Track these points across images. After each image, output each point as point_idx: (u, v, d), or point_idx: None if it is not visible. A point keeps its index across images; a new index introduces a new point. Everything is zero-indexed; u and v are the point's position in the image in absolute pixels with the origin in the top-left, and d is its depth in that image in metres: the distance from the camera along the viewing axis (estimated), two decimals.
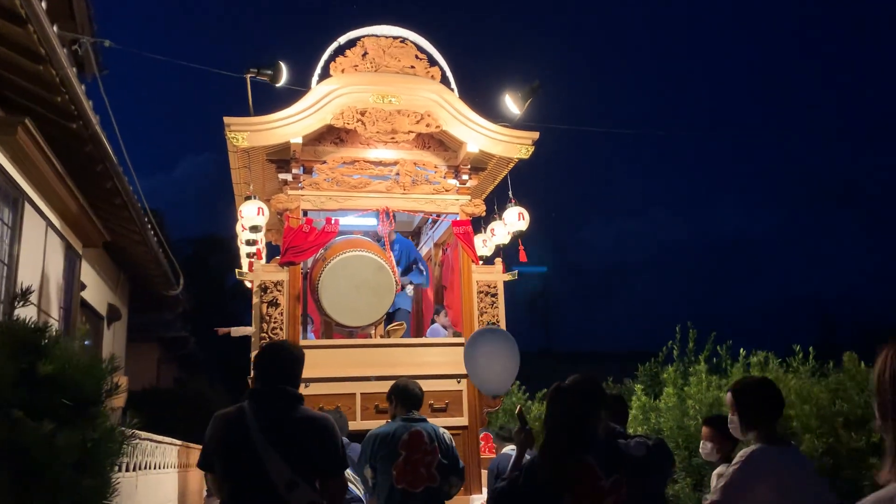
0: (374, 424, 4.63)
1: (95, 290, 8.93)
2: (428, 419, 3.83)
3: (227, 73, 6.77)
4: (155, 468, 7.69)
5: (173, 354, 15.74)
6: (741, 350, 5.20)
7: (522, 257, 5.93)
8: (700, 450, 3.61)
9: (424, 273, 6.58)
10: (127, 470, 6.09)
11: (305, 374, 5.14)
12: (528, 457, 2.62)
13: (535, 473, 2.33)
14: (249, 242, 5.78)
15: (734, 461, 2.51)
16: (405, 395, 3.79)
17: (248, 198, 5.65)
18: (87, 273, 8.24)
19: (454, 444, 3.77)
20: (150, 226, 8.39)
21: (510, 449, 4.75)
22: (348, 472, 3.27)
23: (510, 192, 6.10)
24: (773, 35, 70.36)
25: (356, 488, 3.67)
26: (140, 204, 7.72)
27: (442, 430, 3.74)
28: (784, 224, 62.99)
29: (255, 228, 5.56)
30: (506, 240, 6.09)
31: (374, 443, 3.63)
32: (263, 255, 6.06)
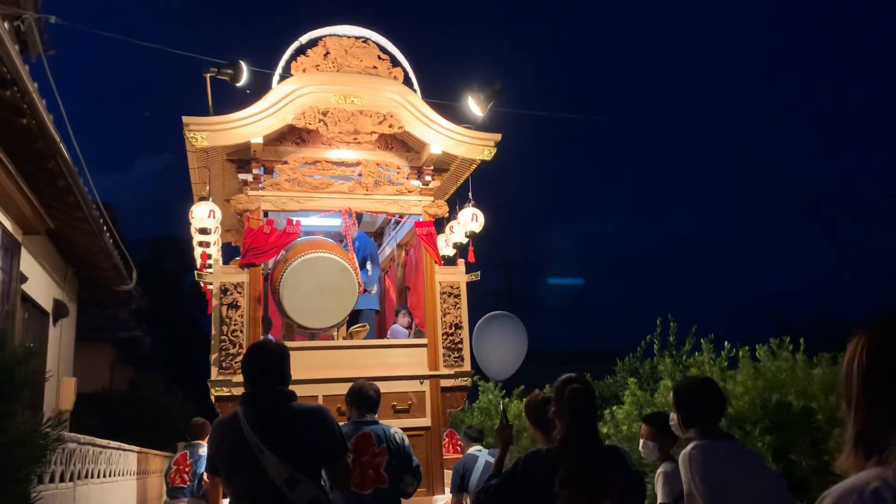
0: None
1: (39, 284, 8.28)
2: (390, 420, 3.83)
3: (181, 52, 6.58)
4: (101, 476, 7.11)
5: (128, 356, 15.31)
6: (726, 343, 4.90)
7: (471, 258, 5.97)
8: (640, 448, 3.58)
9: (372, 274, 6.53)
10: (62, 480, 5.55)
11: None
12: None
13: (537, 467, 2.37)
14: (202, 244, 5.70)
15: (682, 464, 2.51)
16: (359, 398, 3.78)
17: (201, 198, 5.58)
18: (30, 265, 7.65)
19: (407, 443, 3.75)
20: (99, 213, 7.74)
21: (476, 449, 4.76)
22: None
23: (469, 193, 6.14)
24: (745, 38, 71.92)
25: None
26: (88, 190, 7.16)
27: (393, 431, 3.73)
28: (742, 226, 64.51)
29: (203, 231, 5.51)
30: (463, 239, 6.12)
31: None
32: (210, 258, 5.95)
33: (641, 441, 3.54)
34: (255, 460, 2.50)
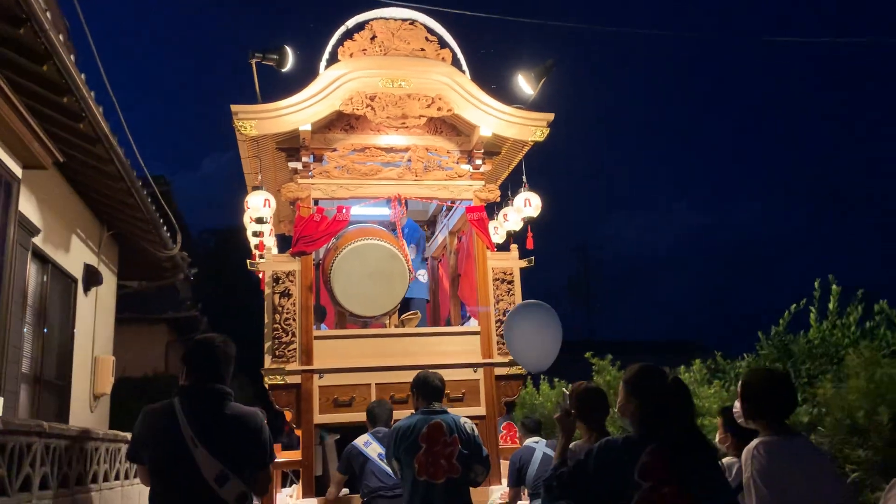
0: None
1: (62, 244, 7.15)
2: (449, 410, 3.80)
3: None
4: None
5: (186, 337, 15.30)
6: None
7: (529, 244, 5.81)
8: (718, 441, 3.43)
9: (414, 257, 6.47)
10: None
11: (319, 364, 5.16)
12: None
13: (613, 455, 2.29)
14: (256, 234, 5.70)
15: (745, 459, 2.45)
16: (425, 388, 3.79)
17: (255, 188, 5.58)
18: (46, 218, 6.54)
19: (476, 432, 3.75)
20: (129, 159, 6.24)
21: (533, 441, 4.67)
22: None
23: (524, 177, 5.96)
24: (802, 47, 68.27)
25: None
26: (128, 152, 6.07)
27: (463, 420, 3.73)
28: (814, 218, 61.54)
29: (260, 220, 5.50)
30: (518, 226, 5.96)
31: (396, 436, 3.66)
32: (274, 247, 5.98)
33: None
34: (188, 455, 2.51)
